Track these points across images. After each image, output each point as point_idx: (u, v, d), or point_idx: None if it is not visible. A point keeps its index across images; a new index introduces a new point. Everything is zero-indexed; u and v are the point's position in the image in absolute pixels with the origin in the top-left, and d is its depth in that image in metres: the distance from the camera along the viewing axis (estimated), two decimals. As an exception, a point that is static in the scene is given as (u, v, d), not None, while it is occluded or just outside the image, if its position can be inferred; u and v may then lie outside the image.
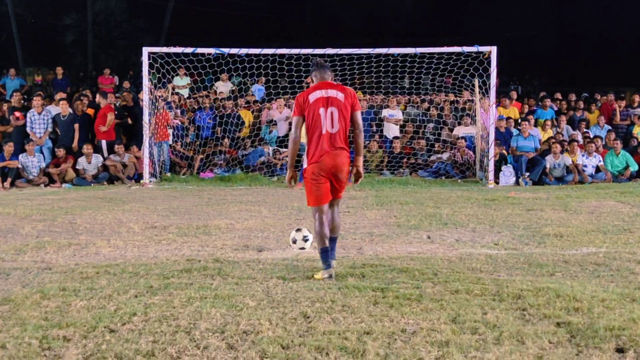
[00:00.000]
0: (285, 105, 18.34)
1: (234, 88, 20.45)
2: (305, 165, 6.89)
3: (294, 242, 8.04)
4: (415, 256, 7.67)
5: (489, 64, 15.86)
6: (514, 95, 20.04)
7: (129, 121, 17.36)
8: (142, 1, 38.28)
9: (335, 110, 6.60)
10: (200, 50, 15.93)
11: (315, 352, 4.51)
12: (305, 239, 8.00)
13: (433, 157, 17.55)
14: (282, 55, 16.67)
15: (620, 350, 4.65)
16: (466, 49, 15.85)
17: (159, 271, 6.82)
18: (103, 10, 38.21)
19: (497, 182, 15.86)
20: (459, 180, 16.50)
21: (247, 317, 5.25)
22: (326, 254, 6.57)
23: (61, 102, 16.81)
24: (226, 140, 17.51)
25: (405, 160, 17.50)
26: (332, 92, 6.67)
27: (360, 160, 6.84)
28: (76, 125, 16.54)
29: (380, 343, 4.69)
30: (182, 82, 20.41)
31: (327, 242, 6.62)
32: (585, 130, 18.23)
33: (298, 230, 8.14)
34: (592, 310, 5.43)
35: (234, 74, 18.55)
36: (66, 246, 8.29)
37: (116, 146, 16.43)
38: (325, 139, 6.57)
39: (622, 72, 32.77)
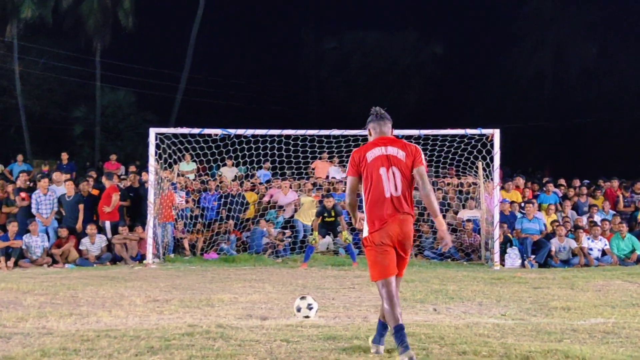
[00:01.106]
0: (290, 187, 18.46)
1: (239, 174, 20.60)
2: (365, 234, 5.89)
3: (299, 310, 7.93)
4: (422, 323, 7.57)
5: (492, 146, 16.01)
6: (521, 181, 19.92)
7: (128, 203, 17.42)
8: (151, 94, 39.04)
9: (397, 171, 5.78)
10: (207, 130, 16.15)
11: (320, 401, 4.40)
12: (309, 307, 7.90)
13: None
14: (287, 137, 16.91)
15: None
16: (469, 131, 16.05)
17: (160, 334, 6.72)
18: (112, 102, 38.96)
19: (502, 264, 15.76)
20: (465, 263, 16.42)
21: (250, 372, 5.15)
22: (401, 332, 5.51)
23: (67, 183, 16.95)
24: (231, 221, 17.52)
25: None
26: (392, 150, 5.86)
27: (442, 221, 5.88)
28: (81, 206, 16.61)
29: (386, 394, 4.58)
30: (188, 167, 20.55)
31: (400, 318, 5.58)
32: (589, 216, 18.20)
33: (302, 298, 8.05)
34: (602, 369, 5.33)
35: (240, 161, 18.65)
36: (67, 315, 8.19)
37: (120, 228, 16.44)
38: (388, 204, 5.73)
39: (627, 163, 33.00)
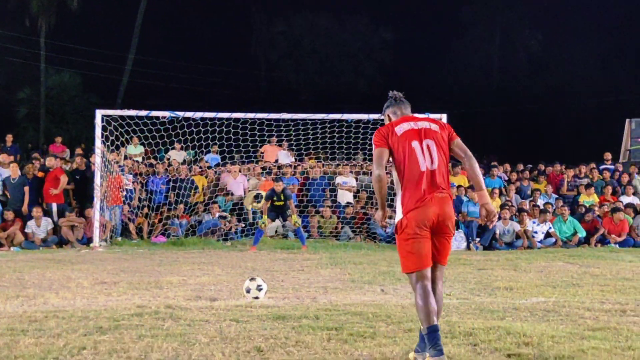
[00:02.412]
0: (240, 171, 18.44)
1: (188, 158, 20.45)
2: (398, 217, 5.15)
3: (248, 291, 7.98)
4: (370, 303, 7.70)
5: (439, 131, 16.19)
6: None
7: (72, 186, 17.18)
8: (96, 76, 38.39)
9: (432, 143, 5.15)
10: (154, 113, 16.03)
11: (269, 377, 4.49)
12: (259, 288, 7.95)
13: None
14: (236, 120, 16.88)
15: (570, 376, 4.72)
16: (417, 116, 16.20)
17: (108, 315, 6.72)
18: (56, 84, 38.27)
19: (448, 247, 16.01)
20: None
21: (200, 350, 5.22)
22: (435, 334, 4.84)
23: (11, 165, 16.64)
24: (181, 205, 17.42)
25: (358, 227, 17.61)
26: (424, 124, 5.26)
27: (486, 195, 5.26)
28: (26, 188, 16.35)
29: (334, 369, 4.69)
30: (135, 150, 20.33)
31: (435, 318, 4.92)
32: (532, 199, 18.60)
33: (252, 279, 8.10)
34: (541, 344, 5.53)
35: (189, 145, 18.48)
36: (14, 297, 8.10)
37: (67, 213, 16.23)
38: (425, 179, 5.04)
39: (571, 149, 33.77)
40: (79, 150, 20.39)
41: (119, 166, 17.27)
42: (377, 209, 17.44)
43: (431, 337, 4.81)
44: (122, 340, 5.54)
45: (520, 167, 21.37)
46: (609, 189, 19.11)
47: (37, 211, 15.81)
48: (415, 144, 5.11)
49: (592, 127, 37.31)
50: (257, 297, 7.91)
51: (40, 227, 15.81)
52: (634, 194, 19.05)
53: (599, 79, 39.01)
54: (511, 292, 8.79)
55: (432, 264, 5.08)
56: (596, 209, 17.87)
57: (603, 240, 16.99)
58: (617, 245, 16.70)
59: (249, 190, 18.32)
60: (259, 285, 7.98)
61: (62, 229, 15.95)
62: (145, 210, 17.39)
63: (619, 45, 38.83)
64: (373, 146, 5.27)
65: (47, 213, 16.27)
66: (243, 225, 17.46)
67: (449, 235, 5.14)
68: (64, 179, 16.46)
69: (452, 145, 5.28)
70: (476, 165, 5.26)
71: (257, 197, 16.96)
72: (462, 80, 42.76)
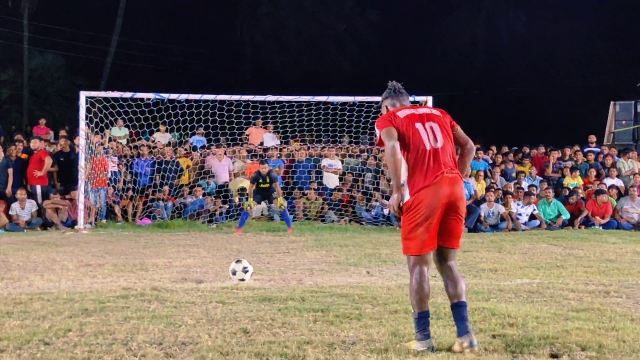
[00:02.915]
0: (225, 154, 18.38)
1: (173, 140, 20.37)
2: (406, 198, 5.01)
3: (234, 273, 7.99)
4: (355, 285, 7.73)
5: (424, 114, 16.19)
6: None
7: (56, 168, 17.08)
8: (80, 57, 38.08)
9: (436, 125, 5.11)
10: (139, 95, 15.93)
11: (255, 358, 4.51)
12: (245, 270, 7.96)
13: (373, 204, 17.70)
14: (222, 102, 16.81)
15: (554, 356, 4.78)
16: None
17: (94, 297, 6.71)
18: (40, 66, 37.96)
19: (434, 229, 16.05)
20: (398, 228, 16.70)
21: (186, 331, 5.23)
22: (425, 320, 4.92)
23: (-6, 147, 16.56)
24: (166, 187, 17.37)
25: (344, 209, 17.64)
26: (424, 110, 5.26)
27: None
28: (10, 170, 16.24)
29: (320, 350, 4.72)
30: (120, 133, 20.21)
31: (427, 304, 4.98)
32: (516, 182, 18.68)
33: (238, 261, 8.11)
34: (526, 325, 5.59)
35: (174, 127, 18.36)
36: (-2, 280, 8.08)
37: (52, 195, 16.15)
38: (431, 157, 4.97)
39: (556, 131, 33.91)
40: (63, 132, 20.20)
41: (104, 148, 17.17)
42: (362, 192, 17.65)
43: (421, 322, 4.89)
44: (107, 322, 5.54)
45: (505, 149, 21.42)
46: (593, 172, 19.18)
47: (21, 193, 15.73)
48: (418, 125, 5.05)
49: (576, 110, 37.38)
50: (243, 279, 7.92)
51: (24, 209, 15.73)
52: (618, 176, 19.15)
53: (584, 61, 39.09)
54: (496, 274, 8.85)
55: (444, 248, 5.08)
56: (580, 191, 17.96)
57: (587, 222, 17.10)
58: (600, 227, 16.81)
59: (234, 173, 18.29)
60: (245, 267, 7.99)
61: (47, 211, 15.88)
62: (130, 192, 17.34)
63: (604, 28, 38.83)
64: (377, 132, 5.15)
65: (31, 195, 16.19)
66: (228, 207, 17.44)
67: (460, 215, 5.05)
68: (48, 161, 16.36)
69: (454, 132, 5.26)
70: (472, 157, 5.36)
71: (241, 191, 17.01)
72: (447, 63, 42.63)
